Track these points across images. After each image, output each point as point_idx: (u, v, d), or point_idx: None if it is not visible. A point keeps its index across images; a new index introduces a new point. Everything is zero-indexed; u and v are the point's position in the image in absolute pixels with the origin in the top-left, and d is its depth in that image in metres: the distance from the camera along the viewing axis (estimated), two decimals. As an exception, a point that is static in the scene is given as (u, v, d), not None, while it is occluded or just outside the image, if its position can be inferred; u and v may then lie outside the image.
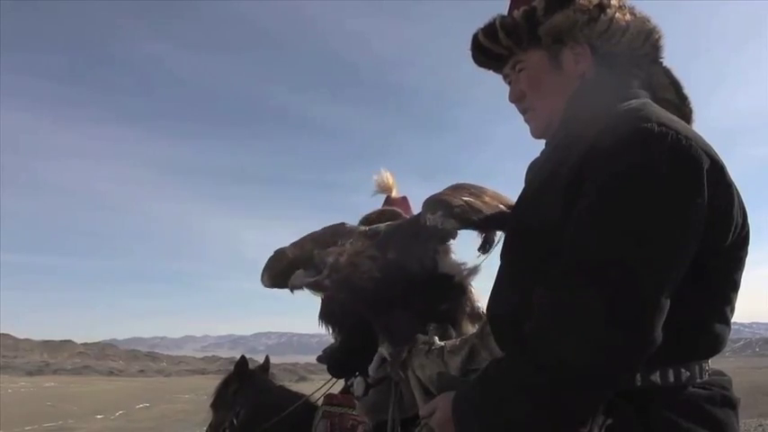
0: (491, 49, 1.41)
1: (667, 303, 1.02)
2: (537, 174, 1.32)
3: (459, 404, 1.20)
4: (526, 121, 1.43)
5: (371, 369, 1.94)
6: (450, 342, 1.66)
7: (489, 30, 1.40)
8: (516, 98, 1.43)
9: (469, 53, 1.47)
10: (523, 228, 1.27)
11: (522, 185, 1.38)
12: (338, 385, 2.87)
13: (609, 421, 1.08)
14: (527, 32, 1.35)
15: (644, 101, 1.24)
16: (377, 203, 3.40)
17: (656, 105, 1.22)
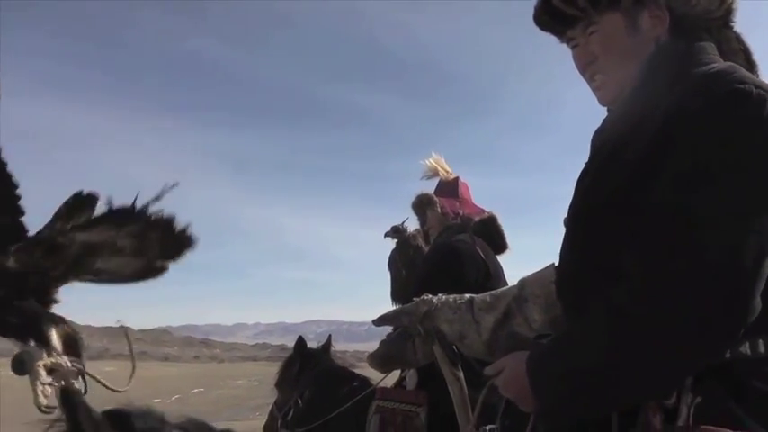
0: (564, 10, 1.34)
1: (766, 271, 0.98)
2: (607, 140, 1.26)
3: (536, 363, 1.16)
4: (594, 87, 1.38)
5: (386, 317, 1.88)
6: (478, 298, 1.61)
7: None
8: (587, 62, 1.36)
9: (533, 12, 1.40)
10: (593, 195, 1.23)
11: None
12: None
13: (698, 399, 1.03)
14: None
15: (731, 63, 1.18)
16: (430, 186, 3.38)
17: (743, 69, 1.16)
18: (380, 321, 1.77)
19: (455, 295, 1.65)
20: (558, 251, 1.36)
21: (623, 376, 1.02)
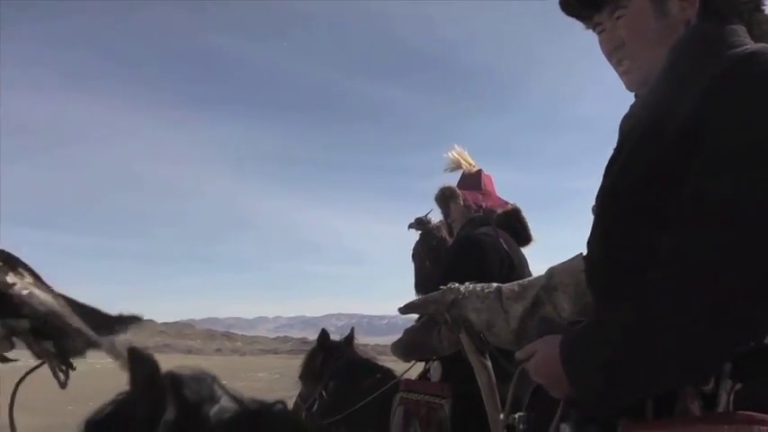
0: None
1: None
2: (637, 125, 1.25)
3: (570, 349, 1.14)
4: (622, 72, 1.36)
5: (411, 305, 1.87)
6: (506, 287, 1.60)
7: None
8: (614, 47, 1.35)
9: None
10: (622, 181, 1.21)
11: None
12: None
13: (738, 386, 1.02)
14: None
15: (764, 45, 1.15)
16: (453, 179, 3.38)
17: None
18: (406, 309, 1.77)
19: (482, 284, 1.64)
20: (585, 242, 1.35)
21: (659, 360, 1.00)
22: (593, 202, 1.33)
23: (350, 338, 3.52)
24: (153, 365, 1.25)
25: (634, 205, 1.17)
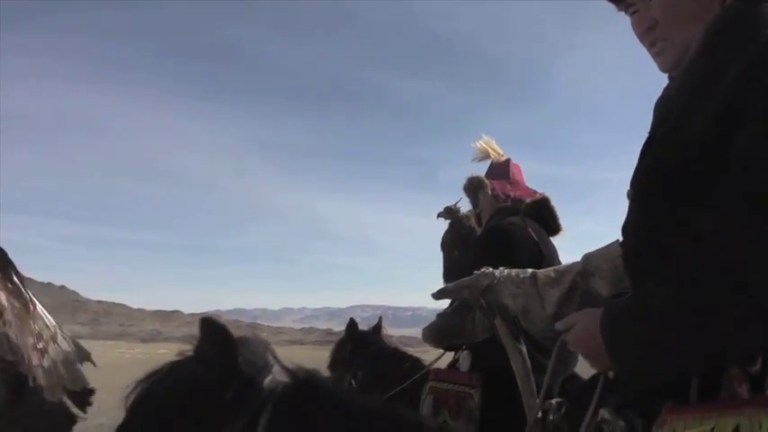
0: None
1: None
2: (671, 108, 1.22)
3: (611, 323, 1.13)
4: (655, 53, 1.34)
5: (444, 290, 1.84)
6: (542, 272, 1.59)
7: None
8: (647, 27, 1.32)
9: None
10: (659, 164, 1.19)
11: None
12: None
13: None
14: None
15: None
16: (481, 169, 3.35)
17: None
18: (440, 294, 1.75)
19: (517, 270, 1.62)
20: (614, 232, 1.36)
21: (701, 336, 0.98)
22: (628, 187, 1.31)
23: (377, 328, 3.54)
24: (226, 333, 1.30)
25: (671, 187, 1.16)
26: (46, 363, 2.46)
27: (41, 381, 2.42)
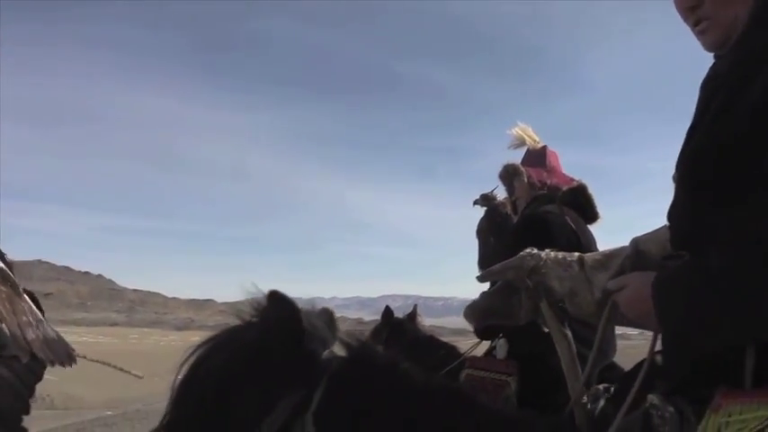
0: None
1: None
2: (719, 85, 1.19)
3: (663, 289, 1.12)
4: (699, 32, 1.30)
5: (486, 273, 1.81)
6: (589, 256, 1.57)
7: None
8: (691, 6, 1.28)
9: None
10: (705, 147, 1.17)
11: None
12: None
13: None
14: None
15: None
16: (517, 157, 3.31)
17: None
18: (486, 276, 1.73)
19: (563, 253, 1.59)
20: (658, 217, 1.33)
21: (753, 308, 0.96)
22: (674, 171, 1.29)
23: (413, 316, 3.53)
24: (293, 306, 1.31)
25: (719, 170, 1.13)
26: (40, 336, 2.70)
27: (39, 354, 2.64)
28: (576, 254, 1.58)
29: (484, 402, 1.43)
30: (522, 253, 1.64)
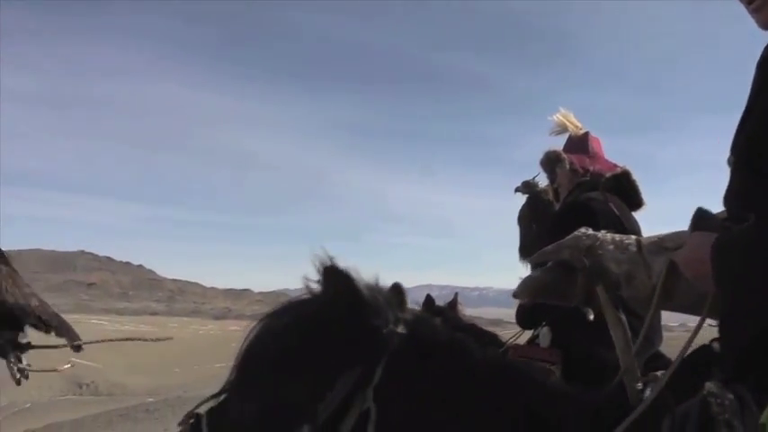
0: None
1: None
2: None
3: (723, 252, 1.10)
4: (753, 10, 1.26)
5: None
6: (646, 239, 1.51)
7: None
8: None
9: None
10: (758, 130, 1.15)
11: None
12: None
13: None
14: None
15: None
16: (559, 143, 3.24)
17: None
18: (540, 257, 1.68)
19: (619, 235, 1.53)
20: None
21: None
22: (729, 155, 1.26)
23: (453, 304, 3.50)
24: (353, 280, 1.31)
25: (761, 157, 1.12)
26: (41, 307, 3.18)
27: (44, 316, 3.17)
28: (634, 236, 1.52)
29: (550, 380, 1.40)
30: (576, 232, 1.58)
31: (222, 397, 1.37)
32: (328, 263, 1.33)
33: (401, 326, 1.35)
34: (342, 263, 1.33)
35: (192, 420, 1.32)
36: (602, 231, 1.56)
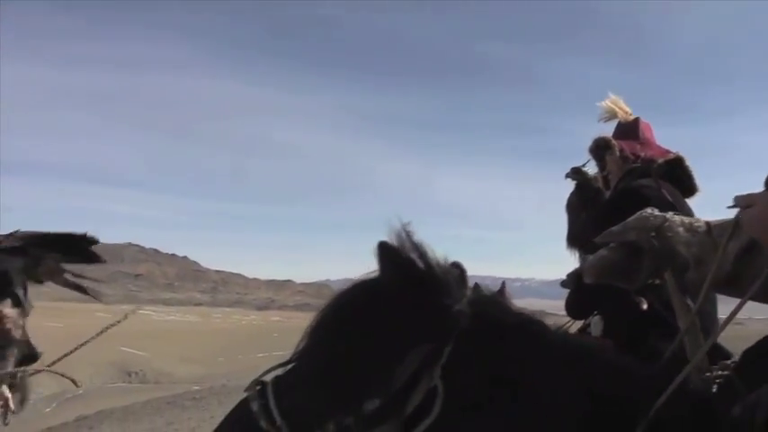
0: None
1: None
2: None
3: None
4: None
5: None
6: (716, 222, 1.46)
7: None
8: None
9: None
10: None
11: None
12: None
13: None
14: None
15: None
16: (608, 130, 3.14)
17: None
18: (605, 237, 1.62)
19: (688, 217, 1.46)
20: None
21: None
22: None
23: (502, 291, 3.45)
24: (424, 252, 1.30)
25: None
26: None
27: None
28: (703, 219, 1.45)
29: (623, 359, 1.35)
30: (643, 213, 1.51)
31: (289, 366, 1.36)
32: (402, 235, 1.32)
33: (468, 305, 1.32)
34: (415, 237, 1.32)
35: (258, 387, 1.31)
36: (670, 213, 1.49)
